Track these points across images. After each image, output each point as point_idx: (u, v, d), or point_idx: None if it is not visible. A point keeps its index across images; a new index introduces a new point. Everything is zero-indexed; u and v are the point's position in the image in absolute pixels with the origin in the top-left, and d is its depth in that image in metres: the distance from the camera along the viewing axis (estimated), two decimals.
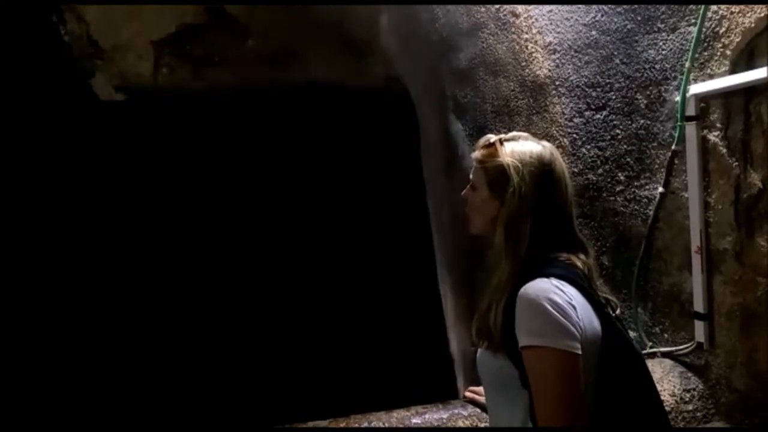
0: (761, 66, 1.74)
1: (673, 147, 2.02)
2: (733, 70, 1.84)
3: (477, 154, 1.37)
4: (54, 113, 4.40)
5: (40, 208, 4.52)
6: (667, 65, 2.04)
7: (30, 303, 4.44)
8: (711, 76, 1.90)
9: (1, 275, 4.32)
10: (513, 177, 1.27)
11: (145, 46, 3.66)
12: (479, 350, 1.34)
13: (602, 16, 2.16)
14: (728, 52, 1.85)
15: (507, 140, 1.34)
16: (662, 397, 1.77)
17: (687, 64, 1.95)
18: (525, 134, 1.38)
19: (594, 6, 2.18)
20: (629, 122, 2.13)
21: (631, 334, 2.12)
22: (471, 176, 1.38)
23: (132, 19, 3.57)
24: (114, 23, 3.60)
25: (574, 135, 2.20)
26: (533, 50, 2.28)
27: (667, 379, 1.96)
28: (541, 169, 1.29)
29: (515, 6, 2.32)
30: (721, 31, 1.86)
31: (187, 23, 3.55)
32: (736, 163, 1.84)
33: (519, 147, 1.32)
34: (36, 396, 4.24)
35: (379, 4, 3.05)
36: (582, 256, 1.29)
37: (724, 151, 1.87)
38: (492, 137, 1.35)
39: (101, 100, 3.94)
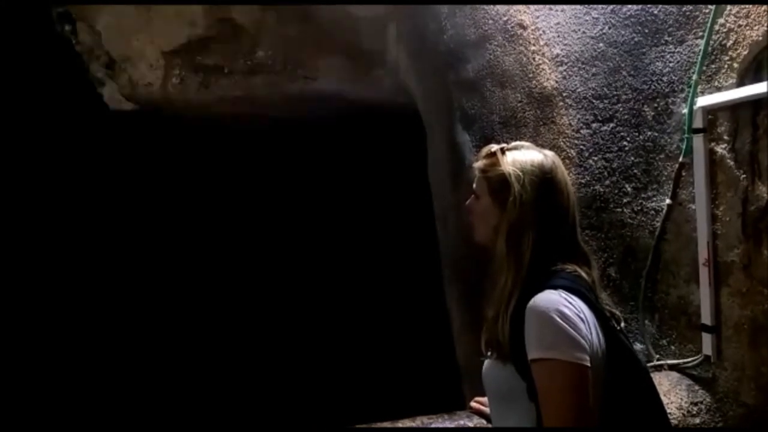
0: None
1: (680, 159, 2.02)
2: (741, 83, 1.84)
3: (479, 163, 1.38)
4: (64, 122, 4.44)
5: (51, 215, 4.56)
6: (674, 78, 2.04)
7: (30, 304, 4.46)
8: (718, 89, 1.90)
9: (11, 278, 4.35)
10: (514, 185, 1.28)
11: (155, 57, 3.69)
12: (486, 361, 1.33)
13: (609, 28, 2.17)
14: (736, 65, 1.85)
15: (509, 149, 1.36)
16: (669, 410, 1.77)
17: (694, 77, 1.96)
18: (527, 143, 1.39)
19: (601, 18, 2.19)
20: (636, 134, 2.14)
21: (639, 346, 2.11)
22: (474, 186, 1.39)
23: (143, 30, 3.60)
24: (125, 34, 3.64)
25: (582, 146, 2.21)
26: (541, 62, 2.29)
27: (675, 392, 1.94)
28: (542, 178, 1.29)
29: (523, 18, 2.34)
30: (728, 44, 1.87)
31: (198, 34, 3.58)
32: (744, 176, 1.84)
33: (520, 156, 1.33)
34: (36, 396, 4.26)
35: (392, 4, 3.07)
36: (586, 268, 1.30)
37: (732, 163, 1.87)
38: (494, 146, 1.37)
39: (111, 109, 3.98)
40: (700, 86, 1.95)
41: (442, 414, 1.81)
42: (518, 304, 1.22)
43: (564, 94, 2.24)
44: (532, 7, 2.33)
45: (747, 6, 1.81)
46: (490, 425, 1.62)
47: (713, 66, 1.92)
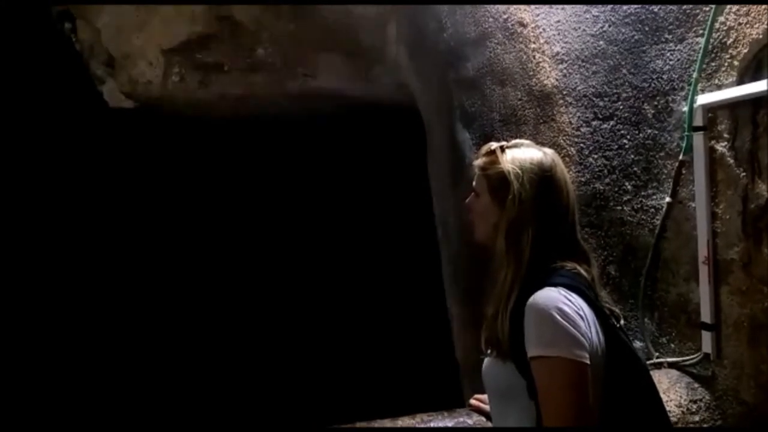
0: None
1: (680, 157, 2.02)
2: (741, 81, 1.84)
3: (479, 161, 1.38)
4: (64, 120, 4.44)
5: (51, 213, 4.56)
6: (674, 75, 2.04)
7: (29, 302, 4.46)
8: (718, 87, 1.90)
9: (11, 277, 4.35)
10: (513, 183, 1.28)
11: (155, 55, 3.69)
12: (486, 359, 1.34)
13: (610, 26, 2.17)
14: (736, 63, 1.85)
15: (508, 147, 1.36)
16: (669, 408, 1.77)
17: (694, 75, 1.95)
18: (527, 141, 1.39)
19: (601, 16, 2.19)
20: (636, 132, 2.14)
21: (638, 344, 2.12)
22: (474, 183, 1.39)
23: (143, 27, 3.60)
24: (125, 32, 3.64)
25: (582, 144, 2.21)
26: (541, 60, 2.29)
27: (674, 390, 1.95)
28: (542, 176, 1.29)
29: (523, 16, 2.34)
30: (728, 42, 1.87)
31: (198, 32, 3.58)
32: (744, 174, 1.84)
33: (520, 154, 1.33)
34: (36, 396, 4.26)
35: (392, 4, 3.07)
36: (585, 266, 1.30)
37: (732, 161, 1.87)
38: (494, 144, 1.37)
39: (111, 107, 3.98)
40: (700, 84, 1.95)
41: (441, 411, 1.82)
42: (518, 301, 1.22)
43: (564, 92, 2.24)
44: (532, 5, 2.33)
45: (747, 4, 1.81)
46: (489, 423, 1.62)
47: (713, 64, 1.92)
